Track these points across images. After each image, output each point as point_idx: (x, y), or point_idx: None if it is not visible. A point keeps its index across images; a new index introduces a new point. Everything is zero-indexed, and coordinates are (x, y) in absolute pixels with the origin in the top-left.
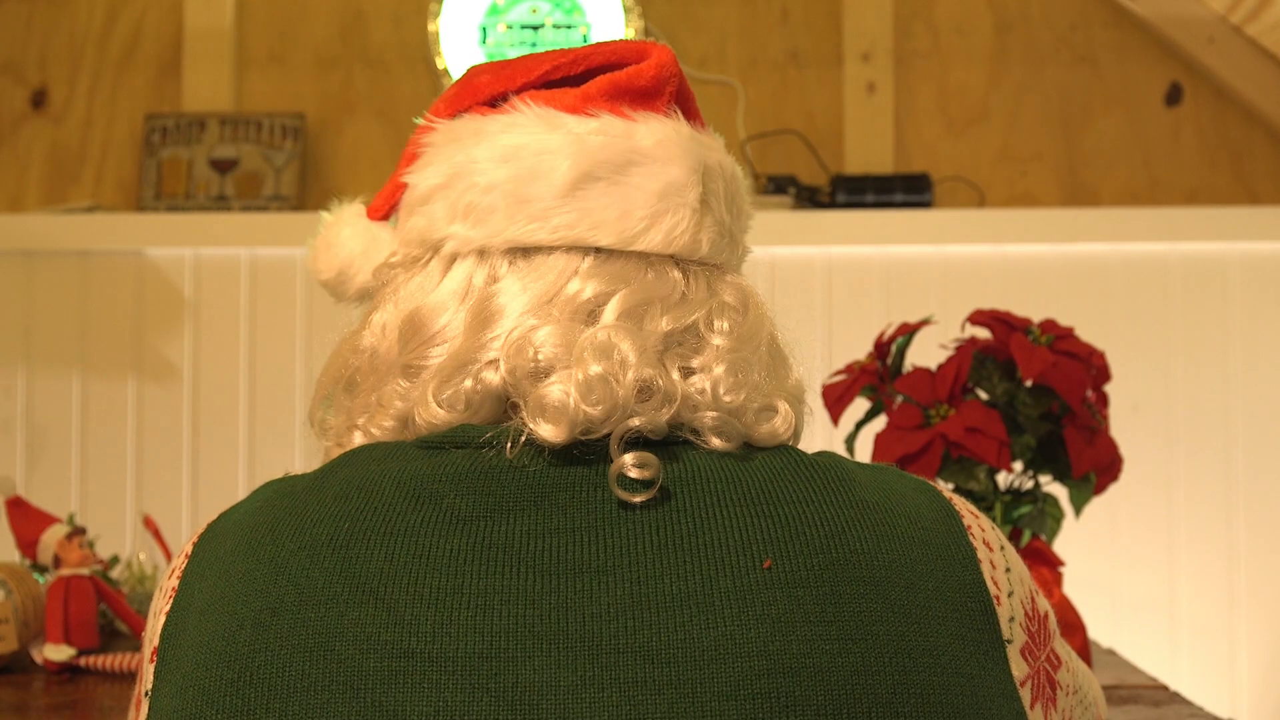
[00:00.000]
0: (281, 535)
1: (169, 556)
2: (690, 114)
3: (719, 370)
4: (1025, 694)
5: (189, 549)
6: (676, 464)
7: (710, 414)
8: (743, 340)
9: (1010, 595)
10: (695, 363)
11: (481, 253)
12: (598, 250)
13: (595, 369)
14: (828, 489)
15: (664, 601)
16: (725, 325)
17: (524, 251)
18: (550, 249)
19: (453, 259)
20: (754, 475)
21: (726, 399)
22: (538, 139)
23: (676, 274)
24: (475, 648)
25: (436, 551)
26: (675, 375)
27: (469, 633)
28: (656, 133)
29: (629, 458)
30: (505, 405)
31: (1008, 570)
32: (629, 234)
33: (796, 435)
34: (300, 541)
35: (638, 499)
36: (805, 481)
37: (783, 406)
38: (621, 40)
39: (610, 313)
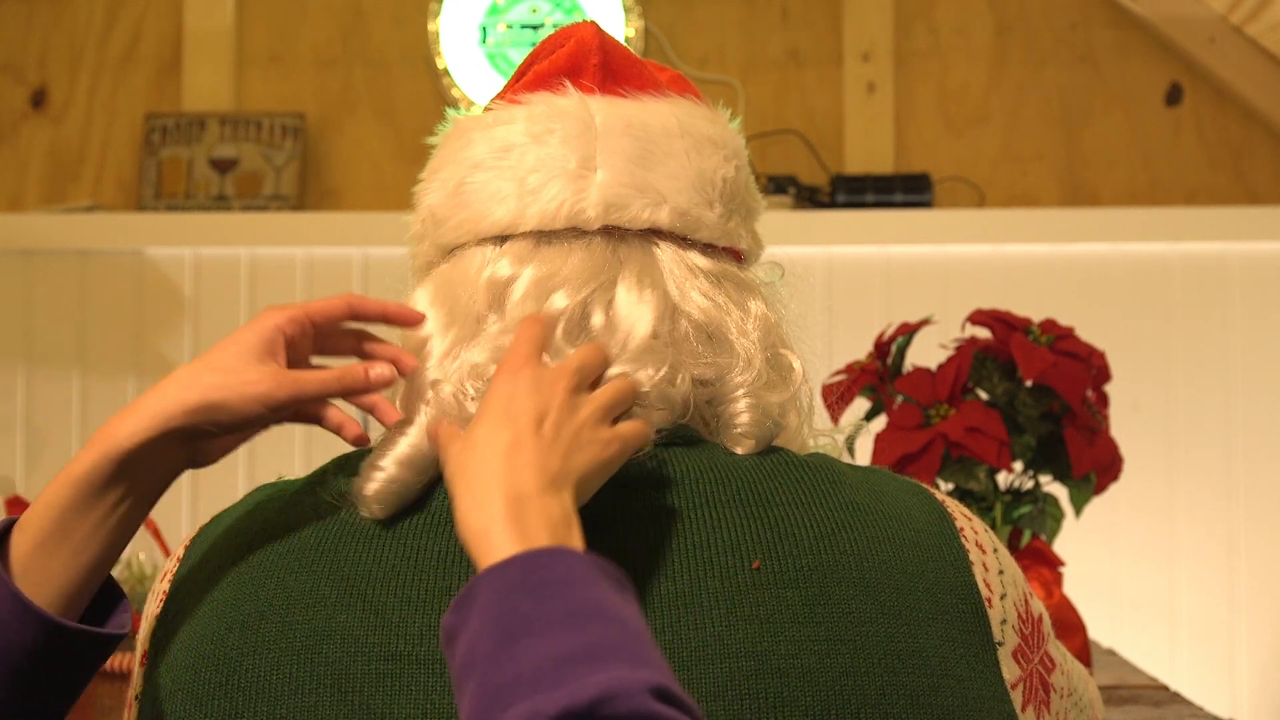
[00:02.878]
0: (271, 538)
1: (169, 556)
2: (623, 79)
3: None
4: (1017, 696)
5: (180, 552)
6: (665, 464)
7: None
8: (635, 321)
9: (1003, 598)
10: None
11: (430, 263)
12: (501, 238)
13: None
14: (818, 490)
15: (652, 602)
16: (631, 297)
17: (450, 252)
18: (465, 245)
19: (426, 268)
20: (744, 476)
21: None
22: (454, 152)
23: (578, 245)
24: None
25: (425, 553)
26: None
27: None
28: (536, 110)
29: None
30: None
31: (1001, 573)
32: (509, 217)
33: (761, 428)
34: (289, 544)
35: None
36: (796, 483)
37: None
38: (558, 29)
39: (517, 290)
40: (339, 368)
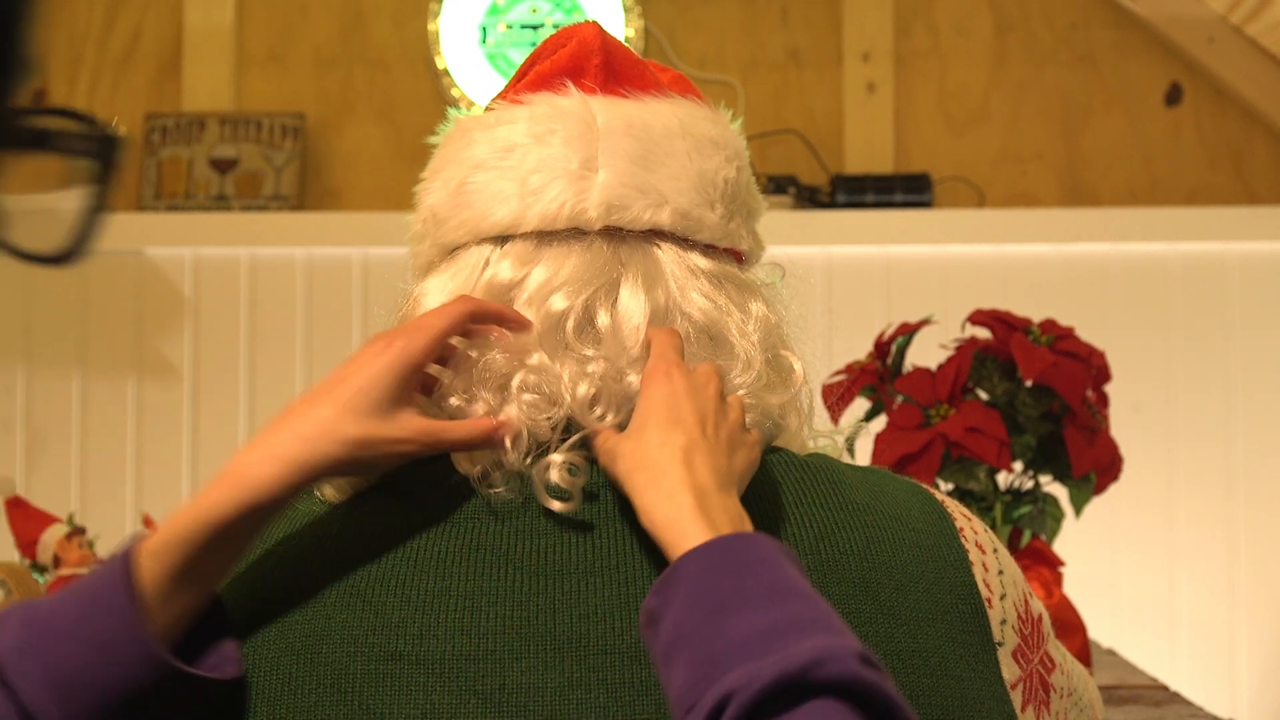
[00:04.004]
0: (270, 539)
1: None
2: (625, 80)
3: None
4: (1016, 697)
5: None
6: None
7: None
8: (638, 322)
9: (1002, 598)
10: (589, 351)
11: (430, 262)
12: (502, 238)
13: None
14: (818, 490)
15: None
16: (635, 298)
17: (451, 252)
18: (466, 245)
19: (427, 268)
20: None
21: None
22: (456, 151)
23: (578, 246)
24: (462, 649)
25: (424, 553)
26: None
27: (456, 634)
28: (538, 111)
29: (553, 466)
30: None
31: (1000, 573)
32: (510, 218)
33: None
34: (288, 545)
35: (556, 505)
36: (795, 483)
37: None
38: (560, 29)
39: (520, 297)
40: (478, 421)
